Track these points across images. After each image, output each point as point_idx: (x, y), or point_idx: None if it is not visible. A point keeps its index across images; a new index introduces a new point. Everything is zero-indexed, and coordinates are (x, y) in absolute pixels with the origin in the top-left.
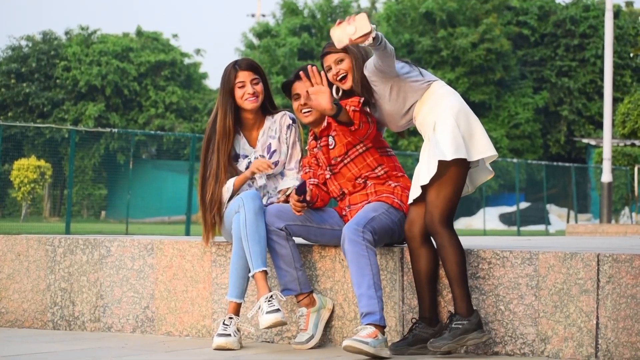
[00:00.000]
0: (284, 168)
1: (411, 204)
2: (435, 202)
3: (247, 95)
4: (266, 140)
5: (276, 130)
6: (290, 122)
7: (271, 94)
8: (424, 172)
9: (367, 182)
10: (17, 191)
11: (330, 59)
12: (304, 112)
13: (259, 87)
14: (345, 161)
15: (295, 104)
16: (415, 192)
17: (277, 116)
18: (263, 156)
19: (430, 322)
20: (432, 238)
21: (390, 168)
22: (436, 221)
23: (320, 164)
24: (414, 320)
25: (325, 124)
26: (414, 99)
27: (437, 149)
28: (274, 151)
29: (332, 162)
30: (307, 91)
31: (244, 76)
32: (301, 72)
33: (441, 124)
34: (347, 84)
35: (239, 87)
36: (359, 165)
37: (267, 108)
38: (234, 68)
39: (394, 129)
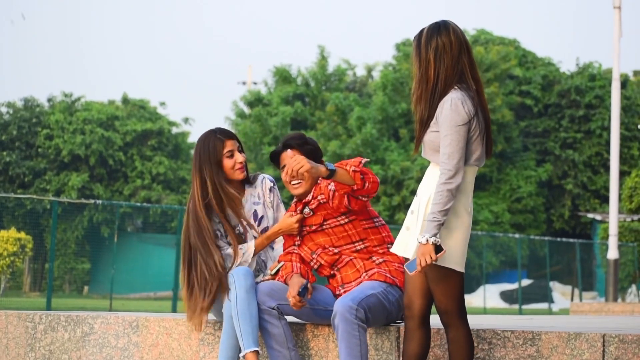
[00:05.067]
0: None
1: (407, 279)
2: (448, 290)
3: (237, 164)
4: (250, 208)
5: (259, 196)
6: (271, 184)
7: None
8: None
9: (342, 256)
10: None
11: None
12: (294, 184)
13: (244, 156)
14: (324, 227)
15: (283, 176)
16: (402, 252)
17: (257, 182)
18: (251, 225)
19: None
20: (444, 327)
21: (371, 243)
22: (455, 313)
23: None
24: None
25: (309, 197)
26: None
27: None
28: (262, 217)
29: (308, 228)
30: (288, 171)
31: (231, 145)
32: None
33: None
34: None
35: (227, 157)
36: (338, 235)
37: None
38: (218, 138)
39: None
